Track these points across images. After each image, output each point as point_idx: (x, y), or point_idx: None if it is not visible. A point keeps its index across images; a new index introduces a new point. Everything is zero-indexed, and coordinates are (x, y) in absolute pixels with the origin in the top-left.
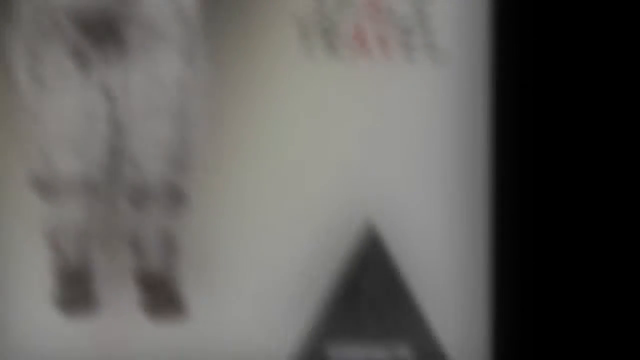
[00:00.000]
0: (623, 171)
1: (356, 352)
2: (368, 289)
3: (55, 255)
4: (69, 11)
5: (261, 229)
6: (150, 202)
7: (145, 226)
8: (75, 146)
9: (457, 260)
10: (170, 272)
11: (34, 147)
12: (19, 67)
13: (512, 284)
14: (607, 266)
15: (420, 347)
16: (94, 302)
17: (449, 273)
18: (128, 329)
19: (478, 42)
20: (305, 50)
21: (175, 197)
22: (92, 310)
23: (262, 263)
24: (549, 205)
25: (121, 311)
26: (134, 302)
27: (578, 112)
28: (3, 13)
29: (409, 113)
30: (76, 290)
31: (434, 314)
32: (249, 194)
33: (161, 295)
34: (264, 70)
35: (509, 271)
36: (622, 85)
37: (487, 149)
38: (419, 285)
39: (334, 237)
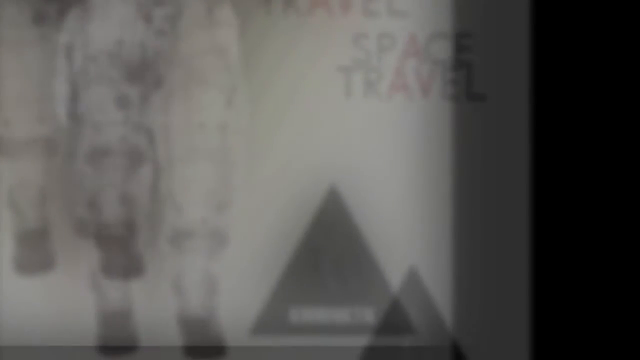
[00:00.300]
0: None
1: (319, 315)
2: (330, 252)
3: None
4: (112, 54)
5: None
6: (192, 244)
7: (187, 268)
8: (121, 192)
9: (420, 222)
10: (211, 314)
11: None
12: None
13: (473, 247)
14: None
15: (383, 310)
16: (52, 262)
17: (412, 235)
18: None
19: (518, 82)
20: (345, 91)
21: (217, 239)
22: (50, 271)
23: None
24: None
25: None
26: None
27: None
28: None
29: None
30: (34, 251)
31: (396, 276)
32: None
33: (119, 255)
34: (305, 112)
35: (472, 236)
36: None
37: (527, 190)
38: (381, 248)
39: (297, 199)
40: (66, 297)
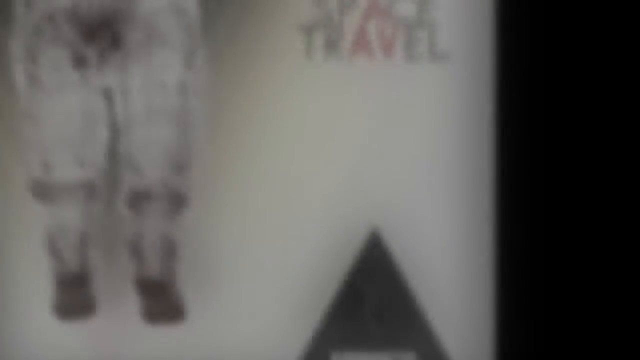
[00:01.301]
0: (633, 172)
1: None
2: (372, 296)
3: (54, 260)
4: (68, 13)
5: (263, 233)
6: (150, 206)
7: (145, 231)
8: (73, 149)
9: (461, 266)
10: (170, 278)
11: (33, 150)
12: (17, 69)
13: (517, 291)
14: (615, 277)
15: (425, 355)
16: (93, 308)
17: (453, 279)
18: (127, 334)
19: (482, 40)
20: (307, 51)
21: (176, 201)
22: (90, 316)
23: (264, 268)
24: (557, 211)
25: (120, 317)
26: (133, 308)
27: (585, 113)
28: (1, 15)
29: (412, 115)
30: (75, 296)
31: (438, 321)
32: (250, 197)
33: (161, 301)
34: (265, 72)
35: (514, 278)
36: (627, 82)
37: (493, 151)
38: (423, 292)
39: (338, 242)
40: (107, 342)
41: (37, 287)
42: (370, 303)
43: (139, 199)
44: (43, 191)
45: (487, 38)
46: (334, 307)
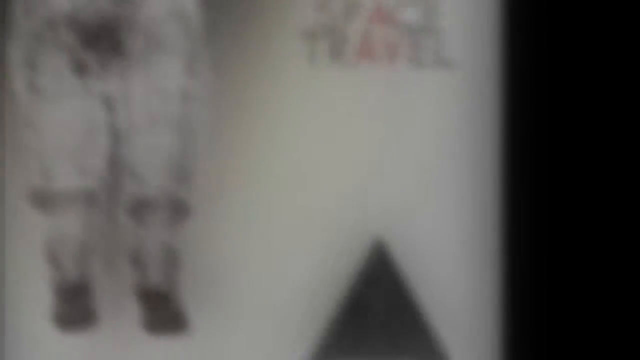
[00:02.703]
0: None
1: None
2: (376, 307)
3: (53, 269)
4: (68, 19)
5: (266, 243)
6: (152, 215)
7: (146, 240)
8: (74, 158)
9: (468, 276)
10: (171, 288)
11: (33, 158)
12: (17, 76)
13: (524, 302)
14: (625, 293)
15: None
16: (94, 318)
17: (459, 290)
18: (128, 345)
19: (488, 47)
20: (310, 57)
21: (178, 210)
22: (91, 326)
23: (267, 279)
24: (565, 220)
25: (121, 327)
26: (134, 318)
27: (592, 120)
28: (0, 22)
29: (417, 122)
30: (75, 306)
31: (444, 331)
32: (253, 207)
33: (162, 312)
34: (268, 79)
35: (521, 289)
36: (634, 87)
37: (499, 159)
38: (428, 303)
39: (341, 253)
40: (108, 353)
41: (37, 297)
42: (374, 313)
43: (140, 208)
44: (43, 200)
45: (493, 45)
46: (338, 317)
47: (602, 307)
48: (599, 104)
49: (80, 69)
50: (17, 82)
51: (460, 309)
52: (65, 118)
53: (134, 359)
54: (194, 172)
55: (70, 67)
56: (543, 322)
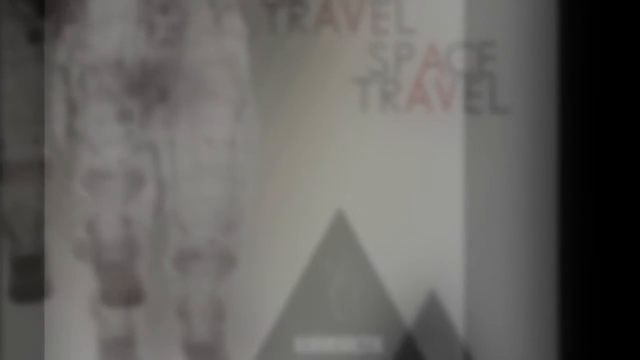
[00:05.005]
0: None
1: (326, 345)
2: (337, 281)
3: (99, 323)
4: (112, 65)
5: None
6: (198, 267)
7: (192, 292)
8: (119, 208)
9: (524, 332)
10: (218, 340)
11: (79, 214)
12: (57, 122)
13: (490, 269)
14: None
15: (392, 341)
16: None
17: (514, 344)
18: None
19: (544, 93)
20: (362, 103)
21: (224, 261)
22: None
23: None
24: (622, 269)
25: None
26: None
27: None
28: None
29: (471, 169)
30: (120, 358)
31: (408, 307)
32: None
33: None
34: (318, 126)
35: (578, 342)
36: None
37: (555, 207)
38: (482, 354)
39: (305, 224)
40: (64, 325)
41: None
42: (335, 286)
43: (186, 259)
44: (86, 250)
45: (549, 91)
46: (299, 290)
47: None
48: None
49: (124, 116)
50: (57, 128)
51: (426, 283)
52: (109, 167)
53: (91, 329)
54: (241, 222)
55: (114, 115)
56: (509, 291)
